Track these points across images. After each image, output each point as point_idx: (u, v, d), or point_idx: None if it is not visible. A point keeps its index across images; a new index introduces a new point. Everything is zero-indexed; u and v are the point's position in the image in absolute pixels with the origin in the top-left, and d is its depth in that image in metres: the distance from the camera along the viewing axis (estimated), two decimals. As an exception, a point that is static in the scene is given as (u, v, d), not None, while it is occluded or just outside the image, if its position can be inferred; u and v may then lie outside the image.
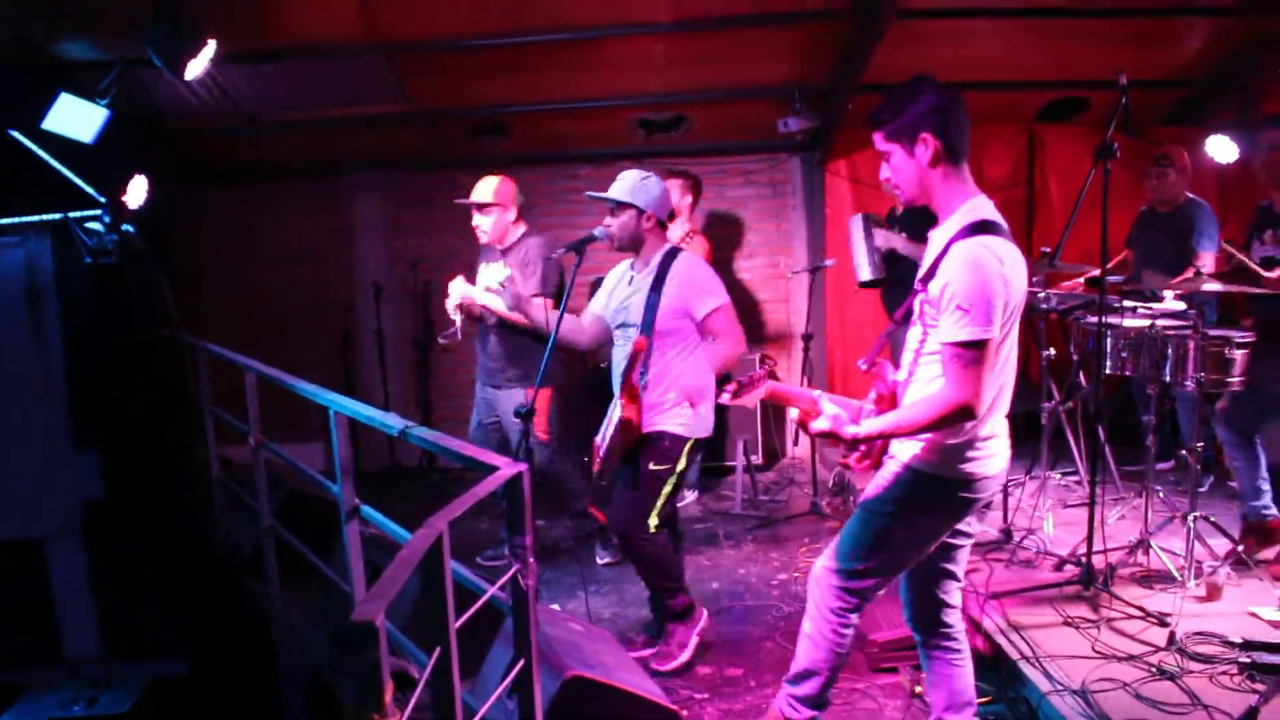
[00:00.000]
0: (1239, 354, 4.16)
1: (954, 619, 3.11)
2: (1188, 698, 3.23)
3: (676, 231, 6.00)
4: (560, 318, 3.85)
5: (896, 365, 2.97)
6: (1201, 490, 5.11)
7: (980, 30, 6.03)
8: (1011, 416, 2.90)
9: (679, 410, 4.00)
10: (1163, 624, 3.73)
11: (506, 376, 5.04)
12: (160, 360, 6.21)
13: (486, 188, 4.97)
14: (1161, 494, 4.79)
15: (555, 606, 4.83)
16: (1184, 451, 4.51)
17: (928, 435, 2.75)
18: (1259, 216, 4.48)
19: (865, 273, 5.83)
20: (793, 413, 2.93)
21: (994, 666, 3.76)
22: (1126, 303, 4.80)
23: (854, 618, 3.01)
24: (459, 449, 2.72)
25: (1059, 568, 4.45)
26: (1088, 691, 3.30)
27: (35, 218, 5.95)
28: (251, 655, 4.88)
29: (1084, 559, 4.15)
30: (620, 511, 4.12)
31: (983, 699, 3.52)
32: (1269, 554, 4.39)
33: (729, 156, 7.61)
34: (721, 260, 7.37)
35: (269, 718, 4.79)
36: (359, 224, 7.85)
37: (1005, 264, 2.59)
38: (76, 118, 5.33)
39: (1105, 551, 4.35)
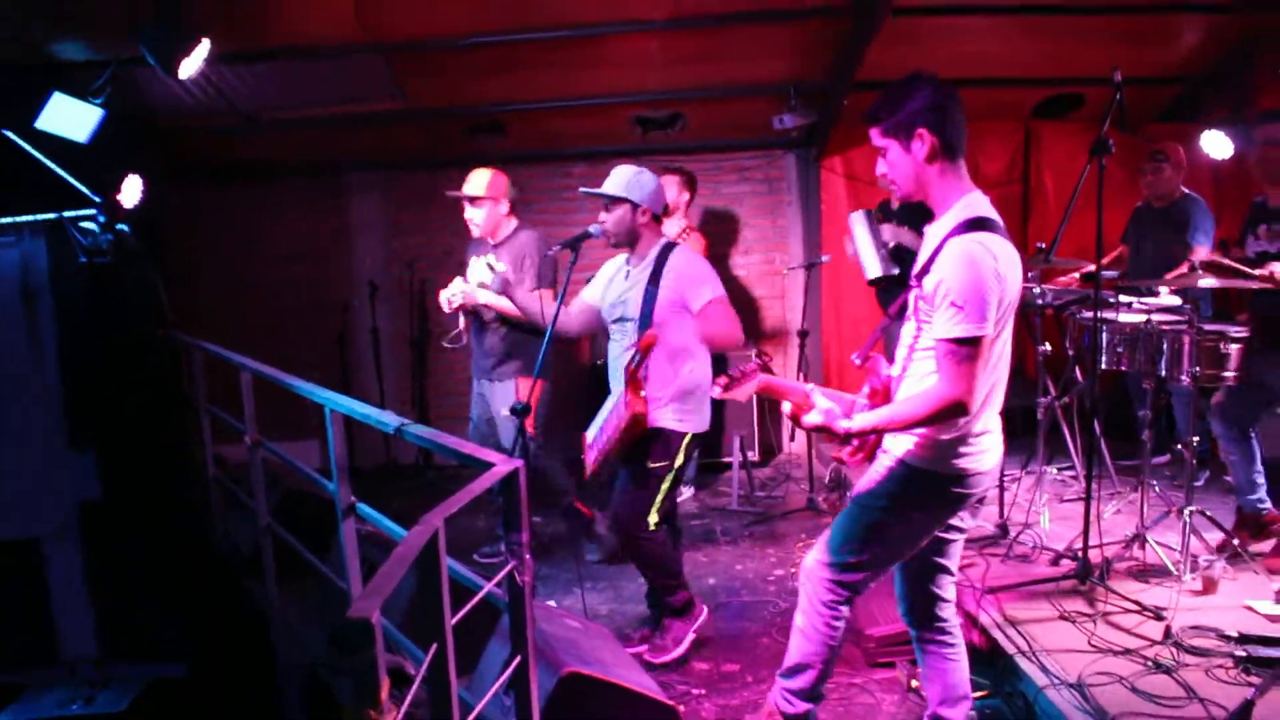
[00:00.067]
0: (1234, 349, 4.17)
1: (949, 613, 3.12)
2: (1183, 691, 3.23)
3: (673, 227, 6.00)
4: (557, 311, 3.85)
5: (891, 360, 2.98)
6: (1197, 484, 5.12)
7: (976, 27, 6.04)
8: (1007, 412, 2.91)
9: (676, 405, 4.00)
10: (1158, 618, 3.74)
11: (501, 370, 5.04)
12: (156, 360, 6.21)
13: (479, 181, 4.97)
14: (1157, 488, 4.79)
15: (552, 603, 4.84)
16: (1179, 446, 4.51)
17: (921, 430, 2.75)
18: (1253, 212, 4.49)
19: (875, 269, 5.82)
20: (785, 407, 2.92)
21: (990, 661, 3.76)
22: (1122, 298, 4.81)
23: (845, 610, 3.01)
24: (455, 446, 2.73)
25: (1055, 562, 4.46)
26: (1084, 685, 3.31)
27: (30, 217, 5.95)
28: (250, 655, 4.88)
29: (1080, 553, 4.16)
30: (620, 509, 4.11)
31: (979, 693, 3.53)
32: (1264, 547, 4.40)
33: (725, 153, 7.61)
34: (717, 257, 7.37)
35: (267, 717, 4.79)
36: (356, 223, 7.84)
37: (1000, 260, 2.59)
38: (70, 117, 5.33)
39: (1101, 546, 4.35)
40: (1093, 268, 4.27)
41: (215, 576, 5.50)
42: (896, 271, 5.69)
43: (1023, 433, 5.40)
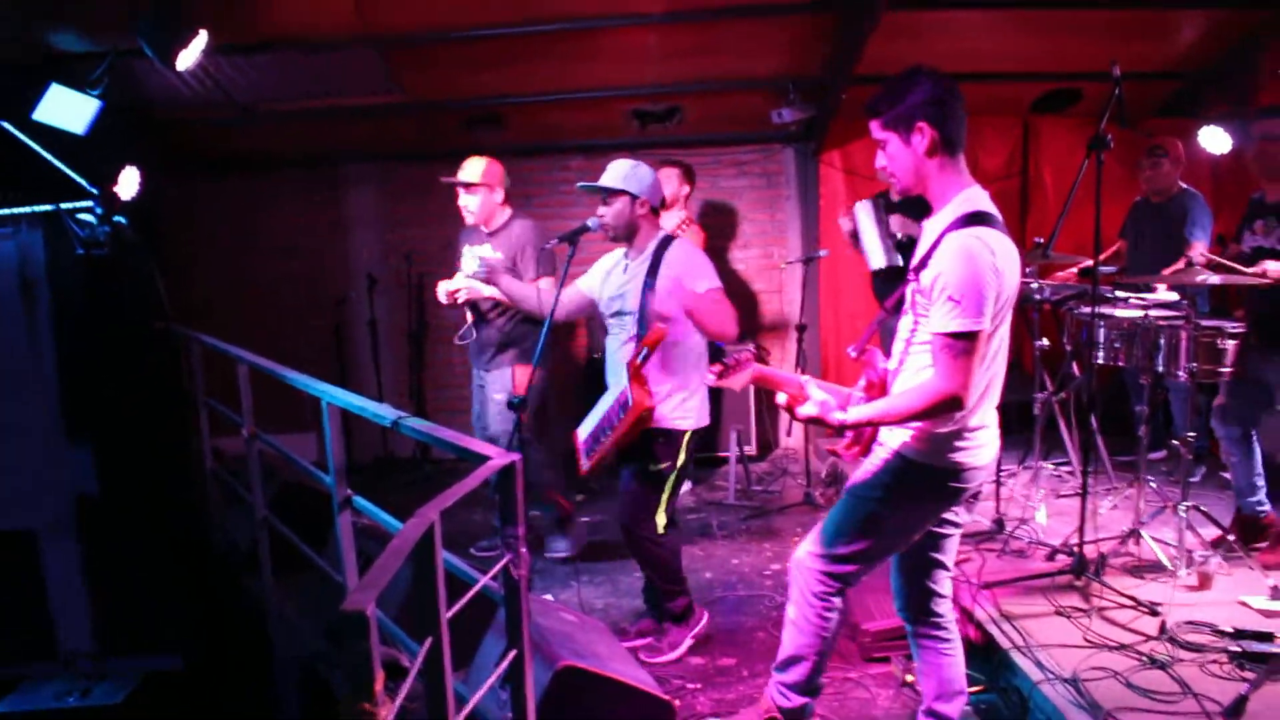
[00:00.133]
0: (1230, 344, 4.17)
1: (944, 609, 3.12)
2: (1178, 686, 3.24)
3: (673, 220, 6.00)
4: (556, 301, 3.85)
5: (888, 354, 2.98)
6: (1193, 480, 5.11)
7: (974, 22, 6.03)
8: (1004, 407, 2.91)
9: (675, 400, 3.99)
10: (1154, 613, 3.74)
11: (498, 359, 5.04)
12: (153, 352, 6.20)
13: (474, 168, 4.97)
14: (1153, 484, 4.81)
15: (548, 596, 4.85)
16: (1176, 441, 4.51)
17: (916, 424, 2.75)
18: (1250, 208, 4.49)
19: (879, 259, 5.81)
20: (780, 398, 2.92)
21: (986, 656, 3.77)
22: (1119, 293, 4.82)
23: (838, 601, 3.01)
24: (452, 439, 2.72)
25: (1051, 557, 4.46)
26: (1079, 680, 3.31)
27: (27, 209, 5.94)
28: (246, 648, 4.88)
29: (1076, 549, 4.16)
30: (626, 510, 4.12)
31: (974, 688, 3.54)
32: (1260, 542, 4.40)
33: (723, 147, 7.61)
34: (716, 250, 7.38)
35: (264, 710, 4.79)
36: (353, 216, 7.84)
37: (998, 255, 2.59)
38: (68, 108, 5.32)
39: (1097, 541, 4.36)
40: (1091, 263, 4.27)
41: (212, 570, 5.50)
42: (901, 263, 5.68)
43: (1019, 428, 5.42)
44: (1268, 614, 3.75)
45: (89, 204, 5.78)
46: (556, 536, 5.44)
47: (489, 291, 4.76)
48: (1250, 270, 4.09)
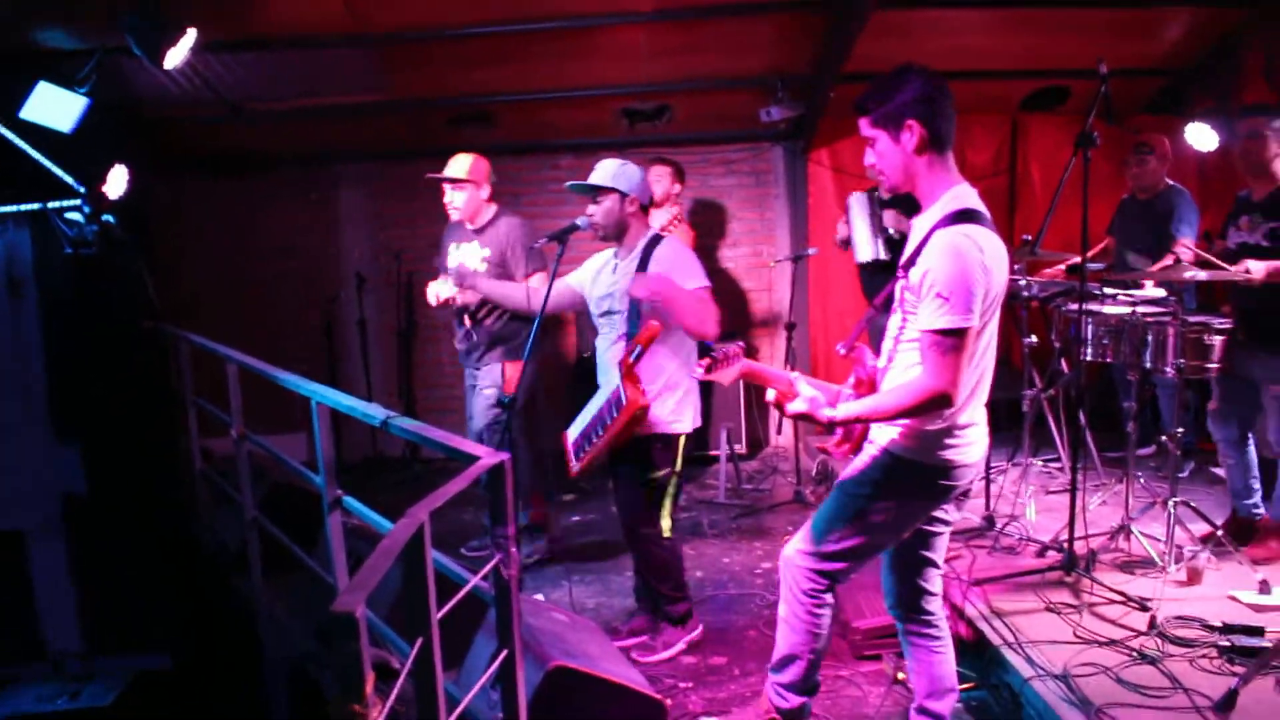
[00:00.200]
0: (1218, 340, 4.19)
1: (935, 606, 3.12)
2: (1168, 681, 3.25)
3: (663, 218, 6.00)
4: (546, 299, 3.84)
5: (877, 352, 2.98)
6: (1182, 475, 5.14)
7: (962, 20, 6.05)
8: (993, 404, 2.91)
9: (670, 402, 3.98)
10: (1144, 609, 3.76)
11: (486, 357, 5.03)
12: (142, 352, 6.18)
13: (460, 164, 4.96)
14: (1142, 479, 4.82)
15: (539, 596, 4.84)
16: (1164, 437, 4.53)
17: (905, 421, 2.75)
18: (1236, 204, 4.51)
19: (866, 252, 5.81)
20: (770, 394, 2.92)
21: (977, 652, 3.78)
22: (1107, 290, 4.83)
23: (828, 598, 3.01)
24: (441, 439, 2.72)
25: (1041, 554, 4.48)
26: (1069, 676, 3.32)
27: (14, 207, 5.92)
28: (236, 649, 4.87)
29: (1066, 545, 4.18)
30: (629, 515, 4.13)
31: (965, 685, 3.54)
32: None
33: (712, 146, 7.60)
34: (705, 249, 7.38)
35: (253, 711, 4.78)
36: (342, 215, 7.82)
37: (986, 253, 2.59)
38: (55, 107, 5.29)
39: (1087, 537, 4.38)
40: (1078, 259, 4.28)
41: (201, 570, 5.48)
42: (887, 257, 5.69)
43: (1008, 424, 5.44)
44: (1257, 608, 3.77)
45: (77, 203, 5.76)
46: (526, 540, 5.38)
47: (477, 295, 4.76)
48: (1233, 268, 4.10)
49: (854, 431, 2.92)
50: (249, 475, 4.48)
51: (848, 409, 2.78)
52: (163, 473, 6.02)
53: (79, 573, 5.95)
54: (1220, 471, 5.07)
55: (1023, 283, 5.00)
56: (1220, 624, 3.58)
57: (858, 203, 5.89)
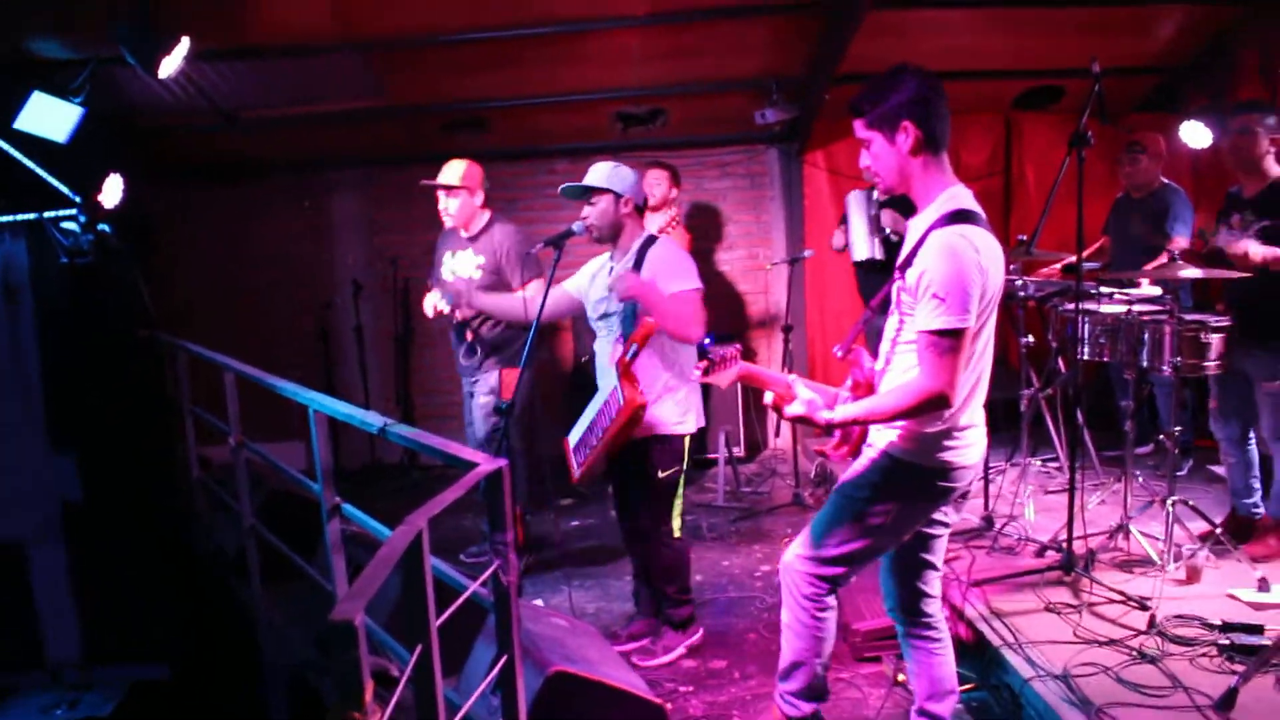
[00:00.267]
0: (1215, 338, 4.19)
1: (934, 608, 3.12)
2: (1168, 680, 3.25)
3: (660, 220, 6.00)
4: (542, 306, 3.84)
5: (874, 354, 2.97)
6: (1180, 474, 5.15)
7: (956, 20, 6.06)
8: (990, 404, 2.91)
9: (670, 403, 3.97)
10: (1143, 608, 3.76)
11: (484, 365, 5.03)
12: (138, 360, 6.18)
13: (454, 171, 4.95)
14: (1141, 478, 4.82)
15: (538, 602, 4.83)
16: (1162, 436, 4.53)
17: (903, 423, 2.75)
18: (1227, 201, 4.51)
19: (862, 250, 5.81)
20: (767, 397, 2.91)
21: (976, 653, 3.78)
22: (1103, 289, 4.83)
23: (830, 601, 3.00)
24: (439, 446, 2.71)
25: (1040, 554, 4.48)
26: (1069, 676, 3.32)
27: (9, 217, 5.91)
28: (235, 657, 4.86)
29: (1065, 545, 4.18)
30: (640, 520, 4.13)
31: (965, 686, 3.54)
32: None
33: (707, 149, 7.60)
34: (701, 252, 7.37)
35: (253, 719, 4.77)
36: (337, 221, 7.81)
37: (982, 253, 2.59)
38: (50, 116, 5.29)
39: (1086, 537, 4.38)
40: (1074, 259, 4.28)
41: (200, 578, 5.48)
42: (883, 257, 5.69)
43: (1006, 425, 5.42)
44: (1256, 606, 3.77)
45: (73, 212, 5.76)
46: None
47: (473, 311, 4.77)
48: (1231, 251, 4.10)
49: (852, 434, 2.92)
50: (247, 483, 4.47)
51: (845, 411, 2.77)
52: (160, 481, 6.01)
53: (77, 581, 5.93)
54: (1219, 469, 5.07)
55: (1019, 283, 5.00)
56: (1220, 622, 3.58)
57: (856, 201, 5.90)
